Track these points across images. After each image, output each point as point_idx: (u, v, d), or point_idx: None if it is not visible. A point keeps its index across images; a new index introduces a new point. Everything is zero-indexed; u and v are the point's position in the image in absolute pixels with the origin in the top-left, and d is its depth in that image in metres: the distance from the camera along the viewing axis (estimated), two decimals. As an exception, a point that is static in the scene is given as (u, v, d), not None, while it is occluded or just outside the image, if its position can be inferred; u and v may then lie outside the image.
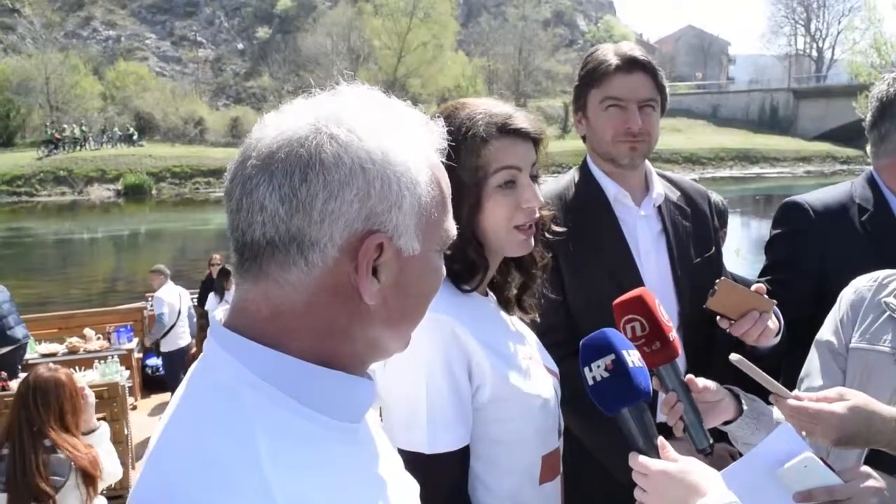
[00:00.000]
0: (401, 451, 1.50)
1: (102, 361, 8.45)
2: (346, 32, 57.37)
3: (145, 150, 46.74)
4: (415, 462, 1.47)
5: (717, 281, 1.86)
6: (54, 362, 9.04)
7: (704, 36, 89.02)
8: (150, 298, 11.30)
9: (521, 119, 1.57)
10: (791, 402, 1.49)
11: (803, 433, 1.45)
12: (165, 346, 9.03)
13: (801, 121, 55.44)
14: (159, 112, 52.39)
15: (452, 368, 1.49)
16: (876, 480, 1.38)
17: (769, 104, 59.02)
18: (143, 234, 31.54)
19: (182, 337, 9.08)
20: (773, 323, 1.92)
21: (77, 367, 8.54)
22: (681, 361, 2.06)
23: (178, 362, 8.75)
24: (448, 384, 1.48)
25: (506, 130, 1.55)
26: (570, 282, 2.09)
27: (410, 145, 0.92)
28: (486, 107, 1.58)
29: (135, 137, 48.77)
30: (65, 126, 47.01)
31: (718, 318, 1.90)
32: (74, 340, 9.53)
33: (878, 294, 1.75)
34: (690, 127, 55.34)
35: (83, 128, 47.24)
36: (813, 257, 2.22)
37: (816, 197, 2.31)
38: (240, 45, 66.58)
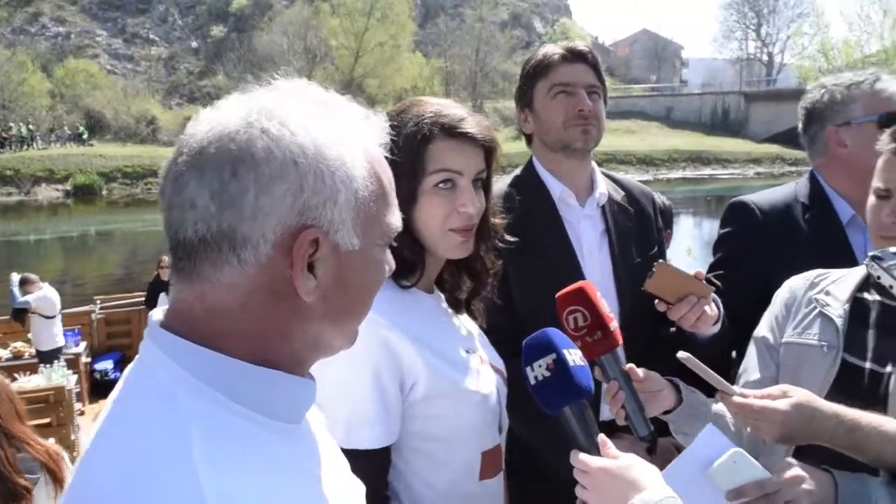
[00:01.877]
0: None
1: (48, 365, 8.26)
2: (303, 32, 56.92)
3: (95, 150, 45.70)
4: None
5: (655, 263, 1.89)
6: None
7: (659, 40, 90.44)
8: (97, 301, 11.08)
9: (472, 124, 1.57)
10: (736, 399, 1.53)
11: (747, 429, 1.48)
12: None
13: (751, 123, 56.60)
14: (110, 111, 51.27)
15: (378, 370, 1.49)
16: (802, 471, 1.43)
17: (721, 107, 60.13)
18: (92, 236, 30.82)
19: None
20: (711, 309, 1.95)
21: (23, 372, 8.34)
22: (622, 358, 2.10)
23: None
24: (372, 383, 1.49)
25: (452, 133, 1.55)
26: (515, 281, 2.11)
27: (346, 139, 0.90)
28: (438, 107, 1.58)
29: (85, 136, 47.67)
30: (11, 125, 45.70)
31: (656, 301, 1.93)
32: (19, 345, 9.30)
33: (810, 291, 1.81)
34: (645, 129, 56.17)
35: (30, 126, 45.97)
36: (759, 255, 2.29)
37: (762, 197, 2.40)
38: (194, 44, 65.53)
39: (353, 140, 0.91)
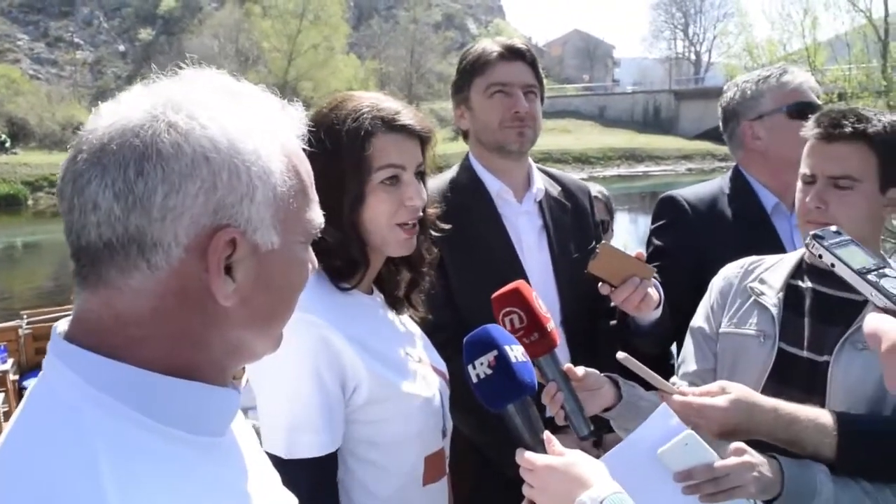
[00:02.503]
0: (268, 455, 1.46)
1: (-27, 383, 7.88)
2: (234, 34, 55.85)
3: (19, 158, 43.91)
4: (274, 465, 1.44)
5: (598, 245, 1.90)
6: (-82, 386, 8.41)
7: (590, 40, 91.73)
8: (24, 316, 10.63)
9: (409, 116, 1.56)
10: (676, 398, 1.55)
11: (689, 427, 1.49)
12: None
13: (681, 121, 57.85)
14: (34, 117, 49.29)
15: (320, 372, 1.46)
16: (752, 455, 1.45)
17: (652, 105, 61.31)
18: (18, 248, 29.69)
19: None
20: (654, 293, 1.97)
21: (-55, 391, 7.94)
22: (564, 355, 2.11)
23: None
24: (314, 387, 1.45)
25: (392, 126, 1.53)
26: (455, 279, 2.11)
27: (261, 131, 0.85)
28: (373, 100, 1.56)
29: (7, 144, 45.78)
30: (-73, 133, 43.74)
31: (600, 284, 1.94)
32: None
33: (745, 280, 1.83)
34: (579, 128, 56.88)
35: (-51, 135, 44.11)
36: (690, 245, 2.35)
37: (690, 191, 2.51)
38: (121, 47, 63.71)
39: (268, 132, 0.86)
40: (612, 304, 2.02)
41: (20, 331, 10.16)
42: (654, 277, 1.98)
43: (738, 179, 2.48)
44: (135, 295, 0.80)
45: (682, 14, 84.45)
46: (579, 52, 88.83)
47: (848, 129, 1.66)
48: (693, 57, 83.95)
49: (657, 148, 52.46)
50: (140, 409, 0.80)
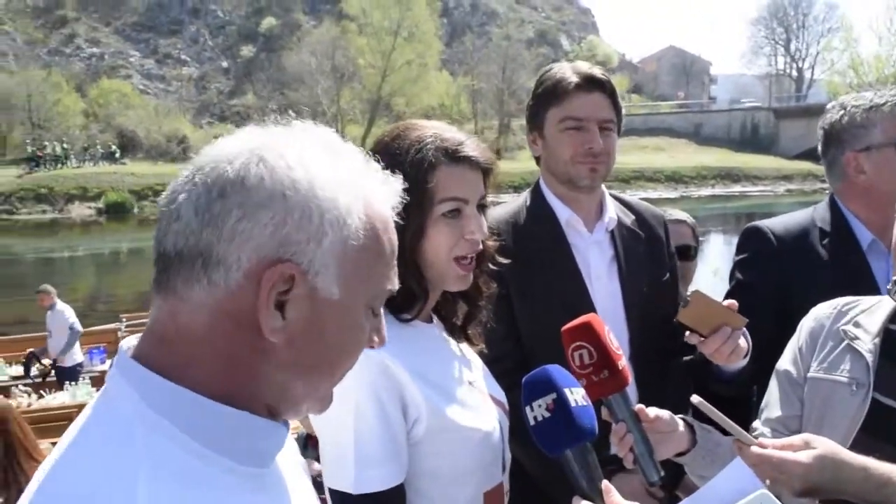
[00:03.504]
0: (332, 491, 1.44)
1: (73, 383, 8.30)
2: (331, 51, 57.36)
3: (127, 168, 46.40)
4: (341, 502, 1.41)
5: (690, 292, 1.80)
6: (24, 385, 8.92)
7: (686, 56, 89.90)
8: (123, 319, 11.13)
9: (472, 147, 1.52)
10: (755, 449, 1.44)
11: (766, 482, 1.40)
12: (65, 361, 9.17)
13: (781, 140, 55.97)
14: (142, 130, 52.03)
15: (382, 402, 1.43)
16: None
17: (750, 123, 59.55)
18: (124, 253, 31.26)
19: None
20: (743, 342, 1.86)
21: (47, 390, 8.38)
22: (632, 391, 2.01)
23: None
24: (377, 419, 1.42)
25: (455, 157, 1.50)
26: (520, 309, 2.05)
27: (346, 184, 0.87)
28: (436, 130, 1.53)
29: (117, 155, 48.40)
30: (46, 143, 46.60)
31: (688, 333, 1.84)
32: (47, 363, 9.38)
33: (838, 322, 1.70)
34: (673, 146, 55.75)
35: (65, 145, 46.81)
36: (774, 281, 2.20)
37: (778, 221, 2.32)
38: (224, 64, 66.48)
39: (353, 187, 0.88)
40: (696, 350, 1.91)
41: (119, 333, 10.68)
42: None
43: (833, 212, 2.27)
44: (195, 309, 0.83)
45: (783, 29, 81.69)
46: (674, 68, 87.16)
47: None
48: (794, 73, 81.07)
49: (755, 167, 50.88)
50: (189, 432, 0.82)
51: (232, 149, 0.86)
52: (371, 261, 0.89)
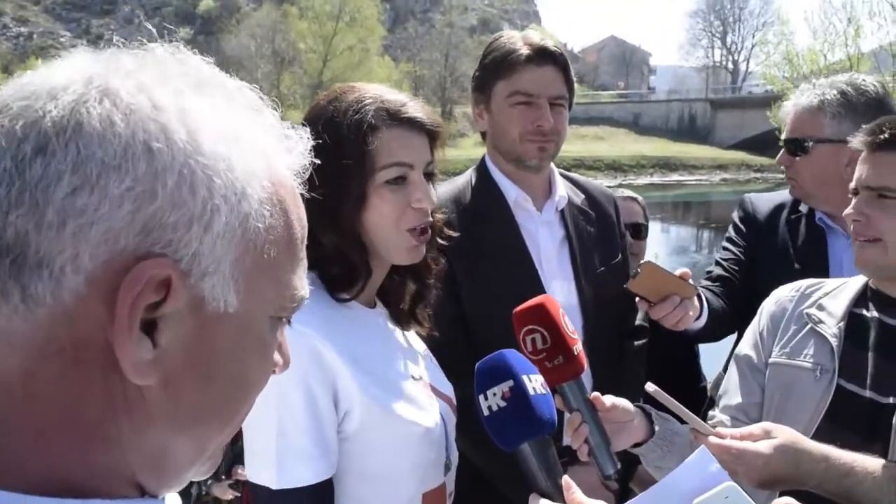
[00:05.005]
0: (254, 486, 1.29)
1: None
2: (271, 35, 56.35)
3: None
4: (262, 498, 1.28)
5: (641, 262, 1.81)
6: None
7: (626, 46, 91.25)
8: None
9: (416, 108, 1.39)
10: (713, 439, 1.36)
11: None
12: None
13: (717, 130, 57.15)
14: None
15: (312, 390, 1.28)
16: None
17: (688, 113, 60.67)
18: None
19: None
20: (695, 309, 1.88)
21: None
22: (587, 378, 1.91)
23: None
24: (305, 410, 1.28)
25: (398, 119, 1.36)
26: (467, 292, 1.92)
27: (244, 140, 0.59)
28: (377, 91, 1.39)
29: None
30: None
31: (638, 299, 1.86)
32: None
33: (801, 305, 1.63)
34: (613, 135, 56.51)
35: (-10, 128, 45.10)
36: (748, 251, 2.31)
37: (761, 195, 2.48)
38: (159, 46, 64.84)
39: (253, 143, 0.60)
40: (637, 322, 1.97)
41: None
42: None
43: None
44: (3, 344, 0.53)
45: (720, 22, 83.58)
46: (615, 58, 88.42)
47: (886, 136, 1.48)
48: (731, 66, 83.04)
49: (692, 157, 51.98)
50: None
51: (57, 79, 0.56)
52: (280, 251, 0.61)
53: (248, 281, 0.58)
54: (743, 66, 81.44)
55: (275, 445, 1.28)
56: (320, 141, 1.27)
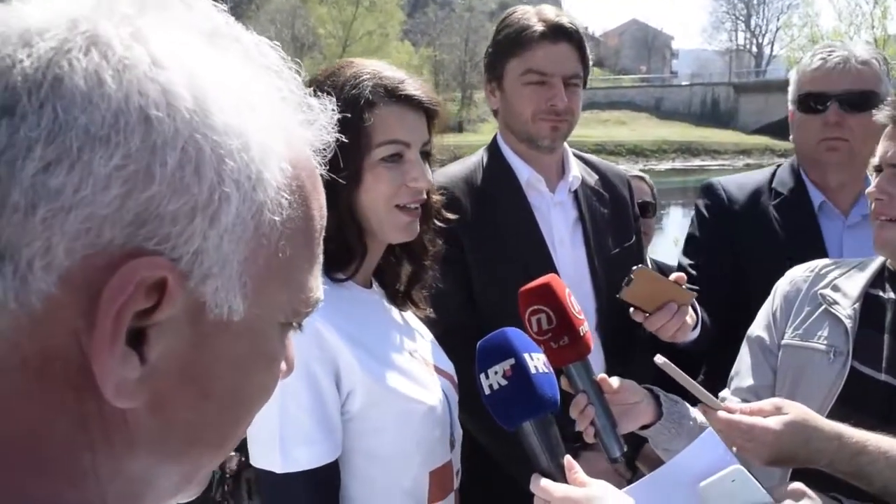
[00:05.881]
0: (260, 471, 1.29)
1: None
2: (290, 20, 56.41)
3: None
4: (267, 482, 1.28)
5: (634, 269, 1.68)
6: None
7: (648, 30, 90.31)
8: None
9: (414, 86, 1.38)
10: (722, 414, 1.33)
11: (733, 448, 1.28)
12: None
13: (741, 114, 56.47)
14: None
15: (313, 372, 1.28)
16: (811, 500, 1.22)
17: (710, 98, 59.96)
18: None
19: None
20: (691, 317, 1.77)
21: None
22: (598, 360, 1.89)
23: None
24: (308, 392, 1.28)
25: (395, 96, 1.35)
26: (478, 275, 1.90)
27: (262, 110, 0.49)
28: (375, 68, 1.38)
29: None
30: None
31: (632, 309, 1.74)
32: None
33: (815, 285, 1.59)
34: (634, 119, 56.02)
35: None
36: (725, 239, 2.15)
37: (733, 179, 2.29)
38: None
39: (272, 115, 0.51)
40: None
41: None
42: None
43: (792, 173, 2.21)
44: None
45: (744, 5, 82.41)
46: (637, 42, 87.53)
47: None
48: (755, 49, 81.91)
49: (714, 142, 51.44)
50: None
51: (33, 20, 0.45)
52: (297, 248, 0.52)
53: (257, 284, 0.49)
54: (767, 50, 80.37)
55: (278, 429, 1.28)
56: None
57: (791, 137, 2.22)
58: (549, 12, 1.95)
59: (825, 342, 1.51)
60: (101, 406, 0.45)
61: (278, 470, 1.27)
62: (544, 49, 1.90)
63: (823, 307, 1.55)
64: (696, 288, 1.79)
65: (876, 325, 1.48)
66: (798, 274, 1.65)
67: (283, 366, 0.58)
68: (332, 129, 0.57)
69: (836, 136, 2.02)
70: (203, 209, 0.45)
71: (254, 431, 1.32)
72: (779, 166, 2.28)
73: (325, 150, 0.56)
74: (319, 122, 0.55)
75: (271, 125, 0.50)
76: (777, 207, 2.13)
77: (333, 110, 0.57)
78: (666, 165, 46.24)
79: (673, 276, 1.77)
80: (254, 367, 0.53)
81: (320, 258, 0.57)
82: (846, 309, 1.51)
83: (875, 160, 1.51)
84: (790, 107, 2.20)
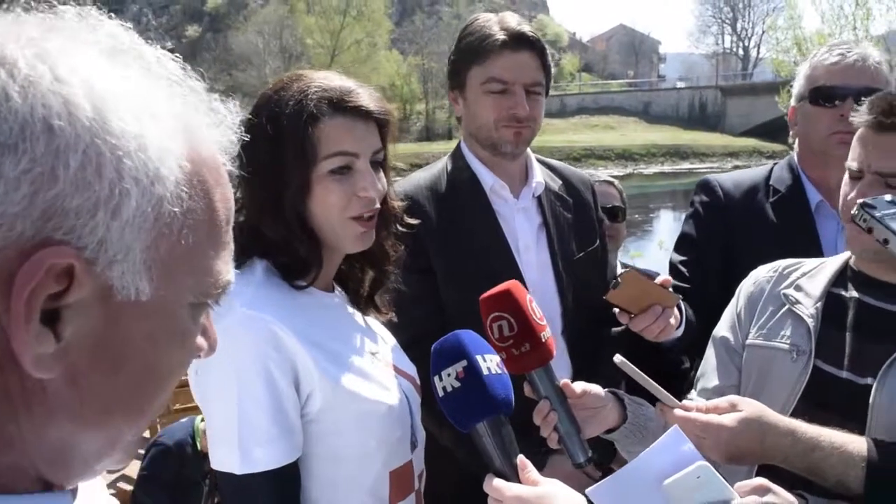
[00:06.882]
0: (219, 474, 1.29)
1: None
2: (278, 31, 56.45)
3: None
4: (227, 484, 1.27)
5: (621, 272, 1.70)
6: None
7: (636, 35, 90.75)
8: None
9: (362, 96, 1.37)
10: (677, 412, 1.34)
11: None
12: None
13: (728, 117, 56.72)
14: (83, 113, 50.80)
15: (272, 374, 1.27)
16: (776, 496, 1.22)
17: (698, 101, 60.23)
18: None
19: None
20: (675, 318, 1.78)
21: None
22: (564, 364, 1.89)
23: None
24: (265, 392, 1.27)
25: (340, 108, 1.34)
26: (443, 281, 1.90)
27: (159, 115, 0.56)
28: (322, 80, 1.37)
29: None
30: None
31: (618, 311, 1.75)
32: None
33: (778, 285, 1.60)
34: (623, 124, 56.22)
35: None
36: (719, 236, 2.15)
37: (729, 176, 2.28)
38: (168, 44, 64.94)
39: (172, 119, 0.57)
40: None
41: None
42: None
43: (789, 171, 2.20)
44: None
45: (729, 8, 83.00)
46: (624, 47, 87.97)
47: None
48: (741, 52, 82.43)
49: (703, 145, 51.65)
50: None
51: None
52: (199, 235, 0.58)
53: (163, 268, 0.56)
54: (753, 53, 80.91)
55: (237, 431, 1.27)
56: (256, 120, 1.26)
57: (791, 133, 2.22)
58: (511, 20, 1.95)
59: (788, 341, 1.51)
60: (23, 379, 0.52)
61: (237, 471, 1.27)
62: (505, 57, 1.90)
63: (787, 307, 1.55)
64: (686, 286, 1.77)
65: (838, 323, 1.48)
66: (761, 274, 1.65)
67: (204, 343, 0.65)
68: (239, 129, 0.64)
69: (849, 129, 2.03)
70: (105, 203, 0.51)
71: (213, 435, 1.32)
72: (776, 163, 2.28)
73: (232, 148, 0.63)
74: (225, 124, 0.63)
75: (170, 128, 0.56)
76: (774, 205, 2.13)
77: (238, 112, 0.64)
78: (655, 169, 46.41)
79: (659, 279, 1.77)
80: (164, 342, 0.59)
81: (229, 245, 0.63)
82: (809, 308, 1.51)
83: (853, 165, 1.48)
84: (794, 102, 2.18)
